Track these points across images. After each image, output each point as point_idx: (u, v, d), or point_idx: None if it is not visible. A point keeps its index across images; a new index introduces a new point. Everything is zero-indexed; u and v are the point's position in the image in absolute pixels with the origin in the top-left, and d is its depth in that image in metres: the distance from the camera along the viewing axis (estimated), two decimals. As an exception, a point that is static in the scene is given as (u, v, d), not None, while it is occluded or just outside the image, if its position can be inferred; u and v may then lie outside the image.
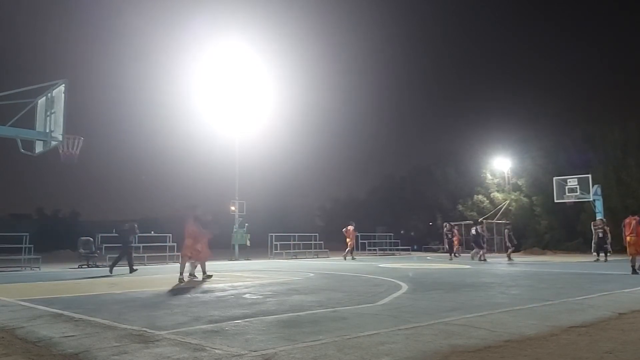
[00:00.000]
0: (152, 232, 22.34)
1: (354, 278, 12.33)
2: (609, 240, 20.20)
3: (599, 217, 24.91)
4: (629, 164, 28.94)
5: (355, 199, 53.23)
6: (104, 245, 19.20)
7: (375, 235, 32.80)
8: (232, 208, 26.07)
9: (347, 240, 23.76)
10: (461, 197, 36.99)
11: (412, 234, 40.80)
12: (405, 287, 9.66)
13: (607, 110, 57.77)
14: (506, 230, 22.28)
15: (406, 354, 4.13)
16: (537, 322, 5.54)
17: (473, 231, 21.42)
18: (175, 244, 21.26)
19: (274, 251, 25.75)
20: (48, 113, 9.91)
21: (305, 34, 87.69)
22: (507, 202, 33.54)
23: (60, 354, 4.36)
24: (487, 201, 34.97)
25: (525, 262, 19.54)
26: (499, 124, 69.06)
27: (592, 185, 25.77)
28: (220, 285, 10.45)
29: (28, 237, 17.90)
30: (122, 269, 14.79)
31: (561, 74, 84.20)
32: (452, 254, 23.58)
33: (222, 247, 23.19)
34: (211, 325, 5.59)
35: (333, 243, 33.23)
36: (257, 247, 27.07)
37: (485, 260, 19.96)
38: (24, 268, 17.34)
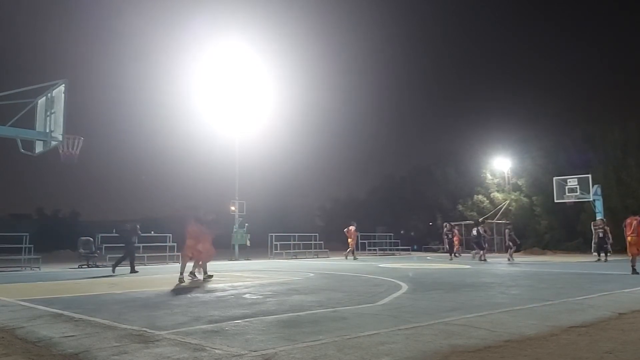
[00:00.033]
0: (152, 232, 22.31)
1: (354, 278, 12.33)
2: (609, 241, 20.16)
3: (599, 217, 24.92)
4: (629, 164, 28.94)
5: (355, 199, 53.22)
6: (104, 245, 19.21)
7: (375, 235, 32.81)
8: (232, 208, 26.08)
9: (349, 240, 23.81)
10: (461, 197, 36.99)
11: (412, 234, 40.80)
12: (405, 287, 9.66)
13: (607, 110, 57.86)
14: (507, 230, 22.26)
15: (406, 354, 4.13)
16: (537, 322, 5.54)
17: (474, 232, 21.40)
18: (175, 244, 21.27)
19: (274, 251, 25.76)
20: (48, 113, 9.92)
21: (305, 34, 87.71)
22: (507, 202, 33.55)
23: (60, 354, 4.36)
24: (487, 201, 34.97)
25: (525, 262, 19.54)
26: (499, 124, 69.14)
27: (592, 185, 25.78)
28: (220, 285, 10.45)
29: (28, 237, 17.91)
30: (124, 268, 14.83)
31: (561, 74, 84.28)
32: (452, 254, 23.58)
33: (222, 247, 23.11)
34: (211, 325, 5.59)
35: (333, 243, 33.26)
36: (257, 247, 27.08)
37: (485, 260, 19.95)
38: (24, 268, 17.34)
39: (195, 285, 10.51)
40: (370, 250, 30.59)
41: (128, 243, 15.38)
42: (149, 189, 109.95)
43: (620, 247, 22.33)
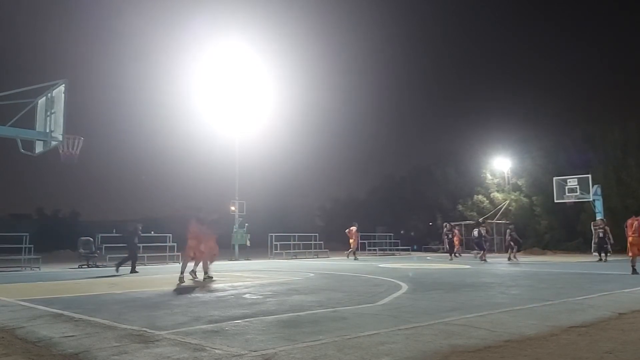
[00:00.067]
0: (152, 232, 22.32)
1: (354, 278, 12.33)
2: (610, 241, 20.16)
3: (599, 217, 24.92)
4: (629, 164, 28.94)
5: (355, 199, 53.21)
6: (104, 245, 19.23)
7: (375, 235, 32.82)
8: (232, 208, 26.08)
9: (350, 240, 23.88)
10: (461, 197, 36.99)
11: (412, 234, 40.79)
12: (405, 287, 9.66)
13: (607, 110, 57.82)
14: (508, 231, 22.20)
15: (406, 354, 4.13)
16: (537, 322, 5.54)
17: (475, 233, 21.36)
18: (175, 244, 21.28)
19: (274, 251, 25.76)
20: (48, 113, 9.92)
21: (305, 34, 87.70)
22: (507, 202, 33.55)
23: (60, 354, 4.36)
24: (487, 201, 34.97)
25: (525, 262, 19.53)
26: (499, 124, 69.08)
27: (592, 185, 25.79)
28: (220, 285, 10.45)
29: (28, 237, 17.91)
30: (125, 268, 14.85)
31: (561, 74, 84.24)
32: (453, 254, 23.59)
33: (222, 247, 23.05)
34: (211, 325, 5.59)
35: (333, 243, 33.26)
36: (257, 247, 27.08)
37: (485, 260, 19.94)
38: (24, 268, 17.34)
39: (195, 285, 10.51)
40: (370, 250, 30.60)
41: (130, 243, 15.43)
42: (149, 189, 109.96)
43: (620, 247, 22.35)
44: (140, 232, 15.84)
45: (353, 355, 4.09)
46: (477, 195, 35.75)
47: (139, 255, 17.35)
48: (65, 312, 6.64)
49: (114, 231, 20.65)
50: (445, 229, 24.78)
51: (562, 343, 4.56)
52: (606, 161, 29.42)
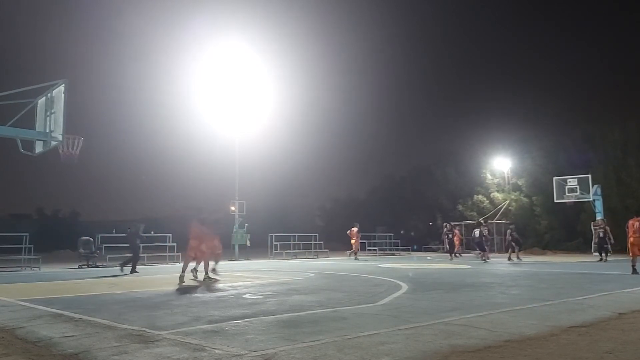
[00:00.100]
0: (152, 232, 22.32)
1: (354, 278, 12.34)
2: (610, 241, 20.15)
3: (599, 217, 24.93)
4: (629, 164, 28.94)
5: (355, 199, 53.20)
6: (104, 245, 19.22)
7: (375, 235, 32.82)
8: (232, 208, 26.07)
9: (352, 241, 23.96)
10: (461, 197, 36.99)
11: (412, 234, 40.79)
12: (405, 287, 9.66)
13: (607, 110, 57.79)
14: (509, 231, 22.17)
15: (406, 354, 4.13)
16: (537, 322, 5.54)
17: (477, 233, 21.34)
18: (175, 244, 21.28)
19: (274, 251, 25.77)
20: (48, 113, 9.92)
21: (305, 34, 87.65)
22: (507, 202, 33.55)
23: (60, 354, 4.36)
24: (487, 201, 34.97)
25: (525, 262, 19.53)
26: (499, 124, 69.03)
27: (592, 185, 25.80)
28: (220, 285, 10.45)
29: (28, 237, 17.91)
30: (128, 267, 14.89)
31: (561, 74, 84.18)
32: (453, 254, 23.59)
33: (223, 247, 23.17)
34: (211, 325, 5.59)
35: (333, 243, 33.25)
36: (257, 247, 27.07)
37: (485, 261, 19.93)
38: (24, 268, 17.34)
39: (196, 285, 10.51)
40: (370, 250, 30.60)
41: (132, 243, 15.51)
42: (149, 189, 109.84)
43: (620, 247, 22.35)
44: (140, 233, 15.85)
45: (353, 355, 4.09)
46: (477, 195, 35.75)
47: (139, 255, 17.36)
48: (65, 312, 6.64)
49: (114, 231, 20.64)
50: (445, 229, 24.79)
51: (562, 343, 4.56)
52: (606, 161, 29.42)
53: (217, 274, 12.20)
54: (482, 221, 23.44)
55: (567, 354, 4.15)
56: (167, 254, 20.87)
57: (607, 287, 9.48)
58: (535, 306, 6.93)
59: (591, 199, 25.87)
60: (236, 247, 24.90)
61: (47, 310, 6.88)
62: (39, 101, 10.19)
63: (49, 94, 9.96)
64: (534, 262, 19.59)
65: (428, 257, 25.64)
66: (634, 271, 12.37)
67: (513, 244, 21.43)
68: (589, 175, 26.00)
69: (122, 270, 14.66)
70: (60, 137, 9.77)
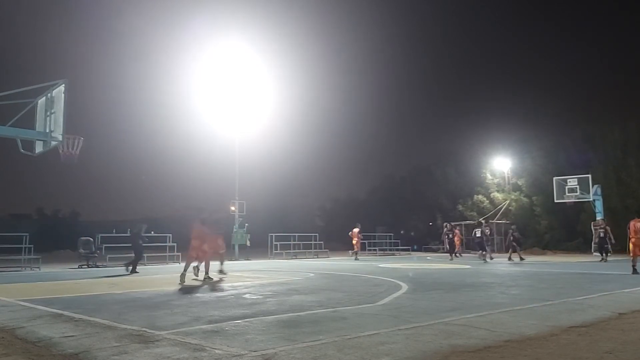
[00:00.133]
0: (152, 232, 22.33)
1: (354, 278, 12.34)
2: (611, 241, 20.15)
3: (599, 217, 24.93)
4: (629, 164, 28.94)
5: (355, 199, 53.19)
6: (104, 245, 19.22)
7: (375, 235, 32.82)
8: (232, 208, 26.07)
9: (353, 241, 24.05)
10: (461, 197, 36.99)
11: (412, 234, 40.78)
12: (405, 287, 9.66)
13: (607, 110, 57.69)
14: (510, 231, 22.16)
15: (406, 354, 4.13)
16: (537, 322, 5.54)
17: (478, 233, 21.33)
18: (175, 244, 21.27)
19: (274, 251, 25.77)
20: (48, 113, 9.92)
21: (305, 34, 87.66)
22: (507, 202, 33.55)
23: (60, 354, 4.36)
24: (487, 201, 34.97)
25: (525, 262, 19.53)
26: (499, 124, 68.95)
27: (592, 185, 25.80)
28: (220, 285, 10.46)
29: (28, 237, 17.91)
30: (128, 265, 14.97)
31: (561, 74, 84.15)
32: (453, 254, 23.59)
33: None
34: (211, 325, 5.59)
35: (333, 243, 33.25)
36: (257, 247, 27.08)
37: (486, 261, 19.93)
38: (24, 268, 17.34)
39: (195, 285, 10.51)
40: (370, 250, 30.60)
41: (134, 243, 15.57)
42: (149, 189, 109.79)
43: (620, 247, 22.35)
44: (142, 233, 15.86)
45: (353, 355, 4.09)
46: (477, 195, 35.75)
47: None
48: (65, 312, 6.64)
49: (114, 231, 20.65)
50: (445, 229, 24.80)
51: (562, 343, 4.56)
52: (606, 161, 29.41)
53: (225, 274, 12.30)
54: (483, 221, 23.43)
55: (567, 354, 4.15)
56: (167, 254, 20.86)
57: (607, 287, 9.48)
58: (535, 306, 6.93)
59: (591, 199, 25.88)
60: (236, 247, 24.89)
61: (47, 310, 6.88)
62: (39, 101, 10.19)
63: (49, 94, 9.96)
64: (534, 262, 19.59)
65: (428, 257, 25.64)
66: (634, 271, 12.38)
67: (514, 244, 21.43)
68: (589, 175, 26.01)
69: (127, 270, 14.78)
70: (60, 137, 9.77)
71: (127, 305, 7.53)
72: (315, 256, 26.78)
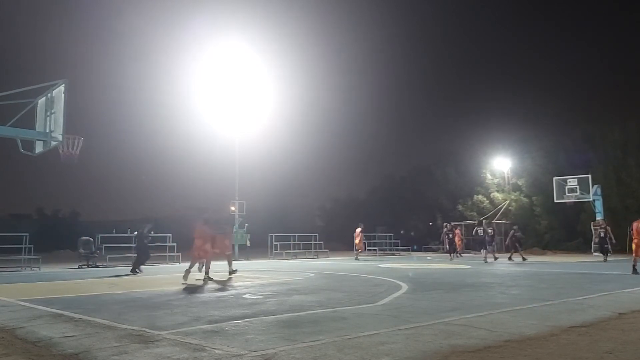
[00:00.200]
0: (152, 232, 22.34)
1: (353, 278, 12.34)
2: (611, 241, 20.16)
3: (599, 217, 24.94)
4: (629, 164, 28.94)
5: (355, 199, 53.18)
6: (104, 245, 19.22)
7: (375, 235, 32.81)
8: (232, 208, 26.07)
9: (356, 241, 24.10)
10: (461, 197, 36.99)
11: (412, 234, 40.76)
12: (405, 287, 9.66)
13: (607, 110, 57.79)
14: (512, 231, 22.14)
15: (406, 354, 4.13)
16: (537, 322, 5.54)
17: (480, 232, 21.33)
18: (175, 244, 21.27)
19: (274, 251, 25.77)
20: (48, 113, 9.93)
21: (305, 34, 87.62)
22: (507, 202, 33.55)
23: (60, 354, 4.36)
24: (487, 201, 34.97)
25: (525, 262, 19.52)
26: (499, 124, 69.01)
27: (592, 185, 25.81)
28: (220, 285, 10.46)
29: (28, 237, 17.91)
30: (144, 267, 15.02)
31: (561, 74, 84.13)
32: (453, 254, 23.59)
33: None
34: (211, 325, 5.59)
35: (333, 243, 33.25)
36: (257, 247, 27.07)
37: (485, 261, 19.89)
38: (24, 268, 17.34)
39: (196, 285, 10.51)
40: (370, 250, 30.59)
41: (138, 244, 15.66)
42: (149, 189, 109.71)
43: (620, 247, 22.37)
44: (145, 232, 15.88)
45: (353, 355, 4.09)
46: (477, 195, 35.75)
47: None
48: (65, 312, 6.65)
49: (114, 231, 20.65)
50: (445, 229, 24.81)
51: (562, 343, 4.56)
52: (606, 161, 29.42)
53: (235, 271, 12.41)
54: (484, 221, 23.41)
55: (567, 354, 4.15)
56: (167, 254, 20.85)
57: (607, 287, 9.48)
58: (535, 306, 6.93)
59: (591, 199, 25.88)
60: (236, 247, 24.88)
61: (47, 310, 6.88)
62: (39, 101, 10.19)
63: (49, 94, 9.96)
64: (534, 262, 19.58)
65: (428, 257, 25.64)
66: (634, 271, 12.37)
67: (517, 244, 21.43)
68: (589, 175, 26.02)
69: (138, 270, 14.87)
70: (60, 137, 9.77)
71: (127, 305, 7.53)
72: (315, 256, 26.77)
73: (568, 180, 26.62)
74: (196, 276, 11.60)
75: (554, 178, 27.38)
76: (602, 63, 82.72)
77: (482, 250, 21.11)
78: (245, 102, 25.95)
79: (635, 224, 12.98)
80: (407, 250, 33.37)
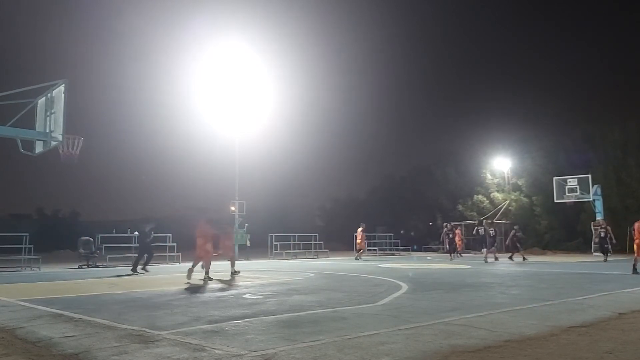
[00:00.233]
0: (153, 232, 22.33)
1: (353, 278, 12.34)
2: (612, 241, 20.17)
3: (599, 217, 24.94)
4: (629, 164, 28.95)
5: (355, 199, 53.21)
6: (104, 245, 19.22)
7: (375, 235, 32.81)
8: (232, 208, 26.07)
9: (358, 240, 24.12)
10: (461, 197, 36.99)
11: (412, 234, 40.76)
12: (405, 287, 9.66)
13: (607, 110, 57.84)
14: (513, 231, 22.14)
15: (406, 354, 4.13)
16: (537, 322, 5.54)
17: (481, 231, 21.33)
18: (175, 244, 21.27)
19: (274, 251, 25.77)
20: (48, 113, 9.92)
21: (305, 34, 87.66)
22: (507, 202, 33.55)
23: (60, 354, 4.36)
24: (487, 201, 34.97)
25: (525, 262, 19.52)
26: (499, 124, 69.07)
27: (592, 185, 25.82)
28: (220, 285, 10.46)
29: (28, 237, 17.90)
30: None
31: (561, 74, 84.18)
32: (453, 254, 23.59)
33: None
34: (211, 325, 5.59)
35: (333, 243, 33.25)
36: (257, 247, 27.08)
37: (486, 261, 19.89)
38: (24, 268, 17.34)
39: (196, 285, 10.51)
40: (370, 250, 30.59)
41: (141, 243, 15.67)
42: (149, 189, 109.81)
43: (620, 247, 22.38)
44: (147, 231, 15.89)
45: (353, 355, 4.09)
46: (477, 195, 35.75)
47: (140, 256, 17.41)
48: (65, 312, 6.64)
49: (114, 231, 20.65)
50: (445, 229, 24.81)
51: (562, 343, 4.56)
52: (606, 161, 29.42)
53: (237, 275, 12.42)
54: (485, 221, 23.41)
55: (567, 354, 4.15)
56: (167, 254, 20.86)
57: (607, 287, 9.48)
58: (535, 306, 6.92)
59: (591, 199, 25.88)
60: (236, 247, 24.88)
61: (47, 310, 6.87)
62: (39, 101, 10.19)
63: (49, 94, 9.96)
64: (534, 262, 19.58)
65: (428, 257, 25.64)
66: (635, 271, 12.37)
67: (518, 244, 21.43)
68: (589, 175, 26.02)
69: (146, 270, 14.92)
70: (60, 137, 9.77)
71: (127, 305, 7.53)
72: (315, 256, 26.78)
73: (568, 180, 26.63)
74: (199, 276, 11.61)
75: (554, 178, 27.38)
76: (602, 63, 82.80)
77: (482, 250, 21.11)
78: (245, 102, 25.95)
79: (637, 224, 12.98)
80: (407, 250, 33.37)
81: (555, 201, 27.21)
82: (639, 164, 28.87)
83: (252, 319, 6.00)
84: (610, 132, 30.73)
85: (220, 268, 13.40)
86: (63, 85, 9.75)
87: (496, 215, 32.40)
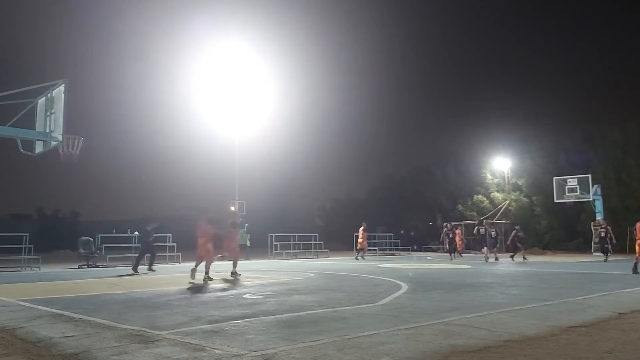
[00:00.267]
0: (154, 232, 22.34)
1: (354, 278, 12.34)
2: (612, 241, 20.17)
3: (599, 217, 24.94)
4: (629, 164, 28.95)
5: (355, 199, 53.20)
6: (104, 245, 19.22)
7: (375, 235, 32.79)
8: (232, 208, 26.07)
9: (359, 240, 24.13)
10: (461, 197, 36.99)
11: (412, 234, 40.75)
12: (405, 287, 9.66)
13: (607, 110, 57.85)
14: (514, 231, 22.13)
15: (406, 354, 4.13)
16: (537, 322, 5.54)
17: (482, 231, 21.33)
18: (175, 244, 21.27)
19: (274, 251, 25.77)
20: (48, 113, 9.93)
21: (305, 34, 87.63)
22: (507, 202, 33.55)
23: (60, 354, 4.36)
24: (487, 201, 34.97)
25: (525, 262, 19.52)
26: (499, 124, 69.04)
27: (592, 185, 25.82)
28: (220, 285, 10.46)
29: (28, 237, 17.89)
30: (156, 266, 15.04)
31: (561, 74, 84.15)
32: (454, 254, 23.59)
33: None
34: (211, 325, 5.59)
35: (333, 243, 33.24)
36: (257, 247, 27.07)
37: (486, 261, 19.90)
38: (24, 268, 17.34)
39: (196, 285, 10.51)
40: (370, 250, 30.57)
41: (143, 243, 15.70)
42: (149, 189, 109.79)
43: (620, 247, 22.38)
44: (147, 230, 15.88)
45: (353, 355, 4.09)
46: (477, 195, 35.75)
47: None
48: (65, 312, 6.64)
49: (114, 231, 20.65)
50: (445, 229, 24.80)
51: (562, 343, 4.56)
52: (606, 161, 29.43)
53: (237, 276, 12.38)
54: (486, 221, 23.41)
55: (567, 354, 4.15)
56: (167, 254, 20.85)
57: (607, 287, 9.48)
58: (535, 306, 6.93)
59: (591, 199, 25.89)
60: (237, 248, 24.88)
61: (47, 310, 6.87)
62: (39, 101, 10.19)
63: (49, 94, 9.97)
64: (534, 262, 19.58)
65: (428, 257, 25.63)
66: (635, 271, 12.37)
67: (519, 244, 21.42)
68: (589, 175, 26.02)
69: (152, 270, 14.93)
70: (60, 137, 9.78)
71: (127, 305, 7.53)
72: (315, 256, 26.77)
73: (568, 180, 26.63)
74: (203, 275, 11.61)
75: (554, 178, 27.38)
76: (602, 63, 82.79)
77: (483, 249, 21.11)
78: (245, 102, 25.96)
79: (638, 224, 12.98)
80: (407, 250, 33.36)
81: (555, 201, 27.21)
82: (639, 164, 28.86)
83: (252, 319, 6.00)
84: (610, 132, 30.74)
85: (220, 268, 13.39)
86: (63, 85, 9.75)
87: (496, 215, 32.40)
